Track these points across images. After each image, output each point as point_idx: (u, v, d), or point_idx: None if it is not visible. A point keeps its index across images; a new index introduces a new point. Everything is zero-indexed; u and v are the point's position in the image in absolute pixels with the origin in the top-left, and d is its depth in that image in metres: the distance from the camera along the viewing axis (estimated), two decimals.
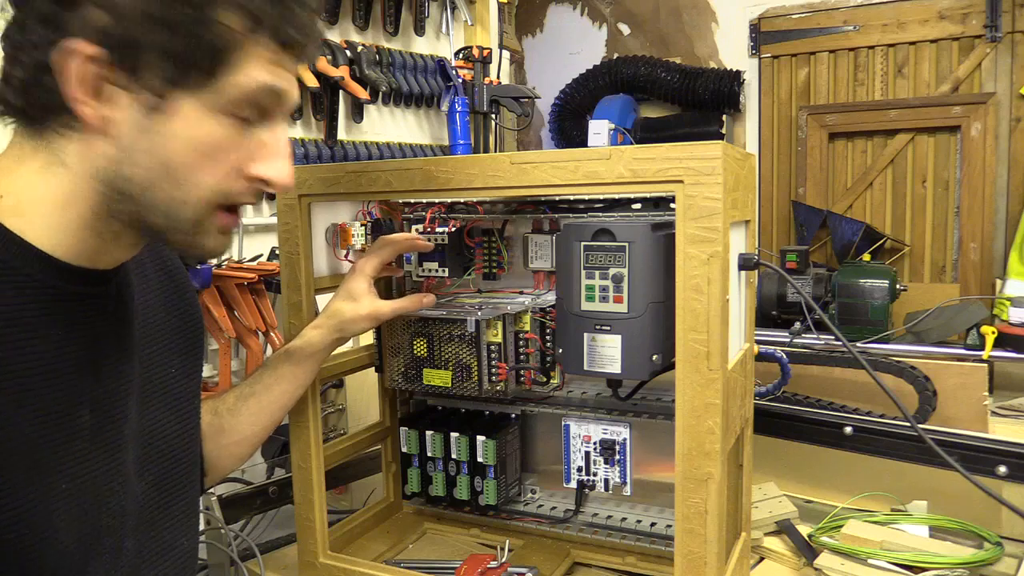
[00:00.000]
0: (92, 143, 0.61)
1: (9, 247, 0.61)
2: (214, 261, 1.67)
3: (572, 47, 3.44)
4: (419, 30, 2.38)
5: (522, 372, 1.07)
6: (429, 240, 1.15)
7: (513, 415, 1.19)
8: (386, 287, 1.23)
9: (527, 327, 1.06)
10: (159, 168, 0.62)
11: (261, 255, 1.76)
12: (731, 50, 3.11)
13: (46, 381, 0.62)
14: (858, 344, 2.00)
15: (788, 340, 1.98)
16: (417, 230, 1.17)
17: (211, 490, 1.24)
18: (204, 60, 0.60)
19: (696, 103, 3.06)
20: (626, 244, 0.87)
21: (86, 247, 0.65)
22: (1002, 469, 1.07)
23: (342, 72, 2.05)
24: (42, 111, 0.62)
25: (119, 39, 0.58)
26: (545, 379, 1.08)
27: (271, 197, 1.92)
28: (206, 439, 0.91)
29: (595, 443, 1.08)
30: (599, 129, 2.62)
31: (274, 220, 1.83)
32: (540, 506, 1.20)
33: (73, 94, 0.59)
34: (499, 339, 1.05)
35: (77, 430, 0.64)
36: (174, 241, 0.67)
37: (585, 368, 0.91)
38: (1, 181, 0.63)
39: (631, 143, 2.26)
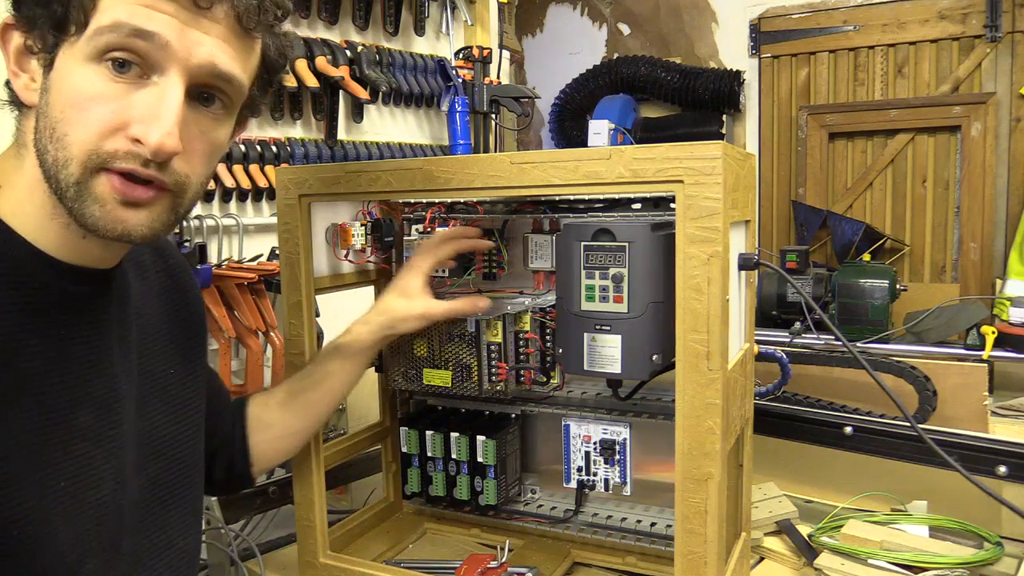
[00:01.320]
0: (29, 117, 0.63)
1: (9, 246, 0.61)
2: (214, 261, 1.67)
3: (572, 47, 3.44)
4: (419, 30, 2.38)
5: (522, 372, 1.07)
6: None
7: (513, 415, 1.19)
8: (386, 286, 1.23)
9: (527, 327, 1.06)
10: (46, 128, 0.59)
11: (261, 255, 1.76)
12: (731, 50, 3.11)
13: (46, 381, 0.61)
14: (858, 344, 2.00)
15: (788, 340, 1.98)
16: (417, 230, 1.17)
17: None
18: (76, 7, 0.58)
19: (696, 103, 3.06)
20: (626, 244, 0.87)
21: (59, 238, 0.63)
22: (1002, 469, 1.07)
23: (342, 72, 2.05)
24: (10, 94, 0.63)
25: (24, 4, 0.59)
26: (545, 379, 1.08)
27: (269, 194, 1.93)
28: (252, 432, 0.93)
29: (595, 443, 1.08)
30: (599, 129, 2.62)
31: (274, 220, 1.83)
32: (540, 506, 1.20)
33: (11, 68, 0.61)
34: (499, 339, 1.05)
35: (76, 430, 0.64)
36: (70, 212, 0.61)
37: (585, 368, 0.91)
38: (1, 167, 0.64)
39: (631, 143, 2.26)
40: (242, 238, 1.82)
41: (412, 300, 0.97)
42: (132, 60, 0.58)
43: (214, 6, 0.60)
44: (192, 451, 0.82)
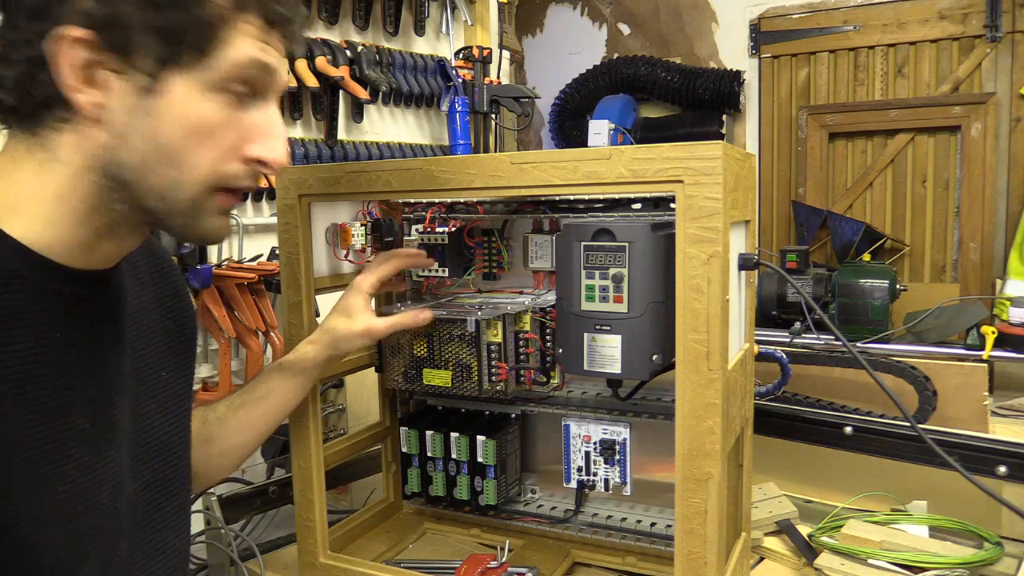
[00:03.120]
0: (87, 133, 0.61)
1: (8, 252, 0.60)
2: (214, 260, 1.67)
3: (572, 47, 3.43)
4: (419, 30, 2.38)
5: (522, 372, 1.07)
6: (429, 240, 1.15)
7: (513, 415, 1.19)
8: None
9: (527, 327, 1.06)
10: (154, 151, 0.62)
11: (261, 255, 1.76)
12: (731, 50, 3.11)
13: (42, 384, 0.61)
14: (858, 344, 2.00)
15: (788, 340, 1.98)
16: (417, 230, 1.17)
17: (211, 490, 1.24)
18: (194, 37, 0.60)
19: (696, 103, 3.06)
20: (626, 244, 0.87)
21: (79, 242, 0.64)
22: (1002, 469, 1.07)
23: (342, 72, 2.05)
24: (36, 107, 0.61)
25: (109, 21, 0.58)
26: (545, 379, 1.08)
27: (269, 194, 1.93)
28: (193, 447, 0.91)
29: (595, 443, 1.08)
30: (599, 129, 2.62)
31: (274, 220, 1.83)
32: (540, 506, 1.20)
33: (67, 82, 0.59)
34: (499, 339, 1.05)
35: (74, 433, 0.64)
36: (173, 225, 0.66)
37: (585, 368, 0.91)
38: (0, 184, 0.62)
39: (631, 143, 2.26)
40: (242, 238, 1.82)
41: (353, 319, 0.97)
42: (249, 89, 0.64)
43: (296, 41, 0.68)
44: (184, 451, 0.82)
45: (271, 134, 0.66)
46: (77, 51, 0.58)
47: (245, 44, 0.62)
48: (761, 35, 3.02)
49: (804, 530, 1.15)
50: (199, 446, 0.91)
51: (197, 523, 1.20)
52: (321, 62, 2.02)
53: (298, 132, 2.07)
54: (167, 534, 0.77)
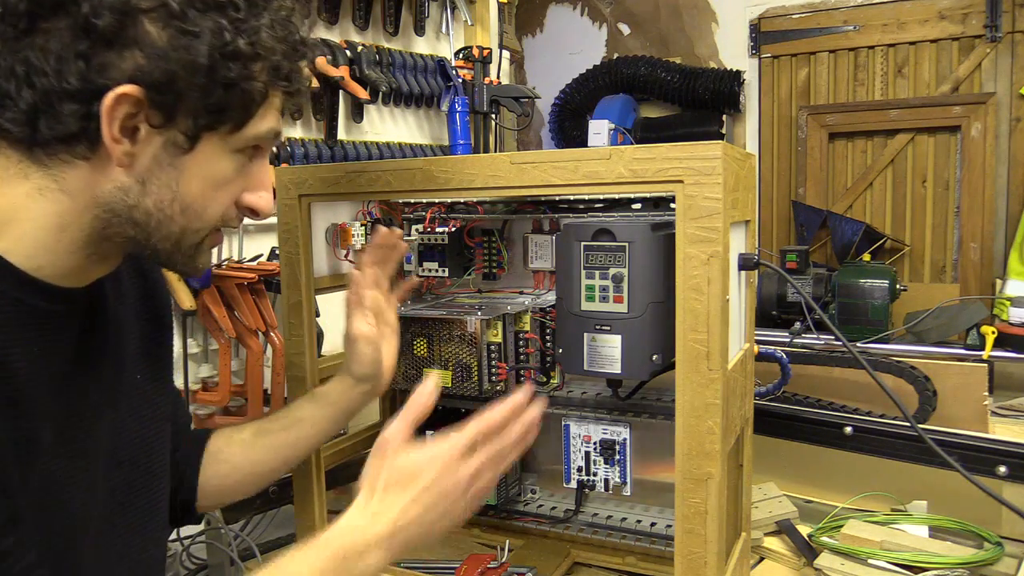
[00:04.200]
0: (105, 172, 0.62)
1: None
2: (213, 260, 1.67)
3: (572, 47, 3.43)
4: (419, 30, 2.38)
5: (522, 372, 1.07)
6: (429, 240, 1.15)
7: None
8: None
9: (527, 327, 1.06)
10: (172, 199, 0.65)
11: (261, 255, 1.75)
12: (731, 50, 3.10)
13: (15, 400, 0.60)
14: (858, 344, 2.00)
15: (788, 340, 1.97)
16: (417, 230, 1.18)
17: None
18: (239, 111, 0.64)
19: (696, 103, 3.05)
20: (626, 244, 0.87)
21: (71, 267, 0.65)
22: (1002, 469, 1.07)
23: (342, 72, 2.05)
24: (50, 139, 0.60)
25: (162, 84, 0.59)
26: (545, 379, 1.08)
27: None
28: (208, 465, 0.90)
29: (595, 443, 1.08)
30: (599, 129, 2.62)
31: (274, 220, 1.83)
32: (540, 506, 1.20)
33: (114, 135, 0.60)
34: (499, 339, 1.05)
35: (39, 445, 0.63)
36: (172, 261, 0.70)
37: (585, 368, 0.91)
38: None
39: (631, 143, 2.26)
40: (242, 238, 1.82)
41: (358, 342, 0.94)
42: (258, 149, 0.70)
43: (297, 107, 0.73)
44: (158, 457, 0.80)
45: (264, 185, 0.71)
46: (123, 106, 0.59)
47: (270, 116, 0.68)
48: (761, 35, 3.01)
49: (804, 530, 1.15)
50: (215, 464, 0.90)
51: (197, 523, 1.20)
52: (321, 62, 2.01)
53: (298, 132, 2.07)
54: (136, 542, 0.76)
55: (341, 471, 1.29)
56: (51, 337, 0.65)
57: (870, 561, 1.03)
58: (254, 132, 0.66)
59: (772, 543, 1.15)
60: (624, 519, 1.13)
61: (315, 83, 1.99)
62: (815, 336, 2.03)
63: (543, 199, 1.09)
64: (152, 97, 0.59)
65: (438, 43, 2.49)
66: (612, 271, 0.88)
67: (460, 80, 2.36)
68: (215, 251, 1.73)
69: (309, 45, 0.71)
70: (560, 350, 0.94)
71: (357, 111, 2.21)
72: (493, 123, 2.49)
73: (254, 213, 0.71)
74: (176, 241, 0.67)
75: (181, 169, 0.64)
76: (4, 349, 0.60)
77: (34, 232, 0.62)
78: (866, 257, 2.59)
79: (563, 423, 1.10)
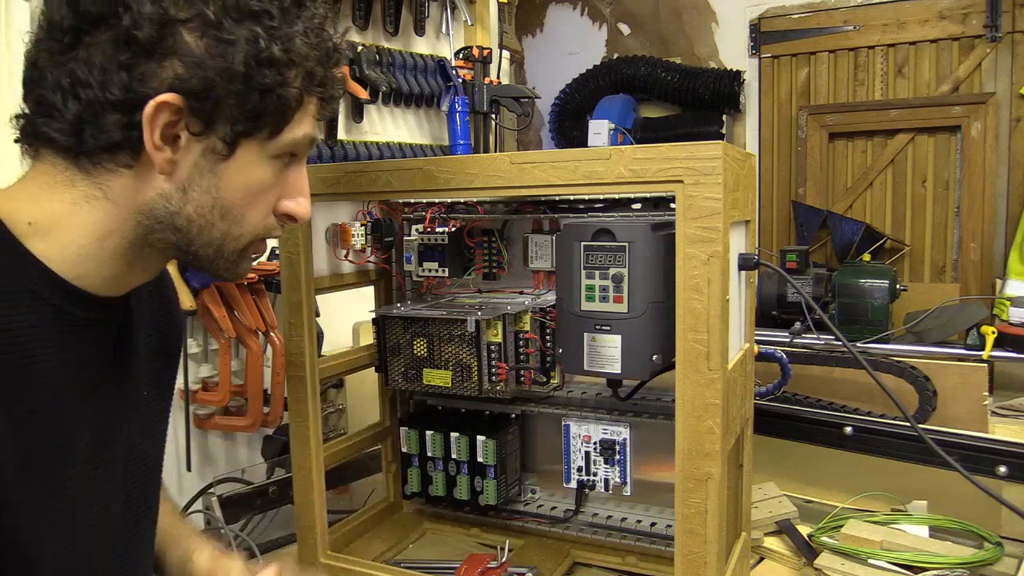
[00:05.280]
0: (148, 180, 0.63)
1: (33, 273, 0.61)
2: None
3: (572, 47, 3.43)
4: (419, 30, 2.38)
5: (522, 372, 1.07)
6: (429, 240, 1.14)
7: (513, 415, 1.19)
8: (386, 286, 1.24)
9: (527, 327, 1.06)
10: (214, 206, 0.66)
11: (261, 255, 1.76)
12: (731, 50, 3.10)
13: (53, 405, 0.62)
14: (858, 344, 2.00)
15: (788, 340, 1.97)
16: (417, 230, 1.18)
17: (211, 490, 1.24)
18: (276, 117, 0.65)
19: (696, 103, 3.05)
20: (626, 244, 0.87)
21: (112, 275, 0.66)
22: (1002, 469, 1.07)
23: (342, 72, 2.05)
24: (95, 148, 0.62)
25: (201, 92, 0.60)
26: (545, 379, 1.08)
27: None
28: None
29: (595, 443, 1.08)
30: (599, 129, 2.61)
31: None
32: (540, 506, 1.20)
33: (155, 143, 0.61)
34: (499, 339, 1.05)
35: (76, 453, 0.65)
36: (214, 268, 0.71)
37: (585, 368, 0.91)
38: (30, 207, 0.63)
39: (631, 143, 2.26)
40: None
41: None
42: (295, 154, 0.70)
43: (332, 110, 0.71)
44: (157, 470, 0.82)
45: (302, 191, 0.72)
46: (164, 114, 0.60)
47: (306, 122, 0.69)
48: (761, 35, 3.01)
49: (804, 530, 1.15)
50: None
51: (197, 523, 1.20)
52: None
53: None
54: (144, 549, 0.78)
55: (341, 471, 1.29)
56: (88, 346, 0.66)
57: (870, 561, 1.03)
58: (290, 138, 0.67)
59: (772, 543, 1.15)
60: (624, 519, 1.13)
61: None
62: (815, 336, 2.03)
63: (543, 199, 1.09)
64: (191, 105, 0.61)
65: (438, 43, 2.49)
66: (612, 271, 0.88)
67: (460, 80, 2.36)
68: None
69: (342, 52, 0.72)
70: (560, 350, 0.94)
71: (357, 111, 2.21)
72: (493, 123, 2.49)
73: (292, 219, 0.72)
74: (218, 247, 0.69)
75: (221, 175, 0.65)
76: (40, 357, 0.61)
77: (78, 240, 0.63)
78: (866, 257, 2.58)
79: (563, 423, 1.10)
